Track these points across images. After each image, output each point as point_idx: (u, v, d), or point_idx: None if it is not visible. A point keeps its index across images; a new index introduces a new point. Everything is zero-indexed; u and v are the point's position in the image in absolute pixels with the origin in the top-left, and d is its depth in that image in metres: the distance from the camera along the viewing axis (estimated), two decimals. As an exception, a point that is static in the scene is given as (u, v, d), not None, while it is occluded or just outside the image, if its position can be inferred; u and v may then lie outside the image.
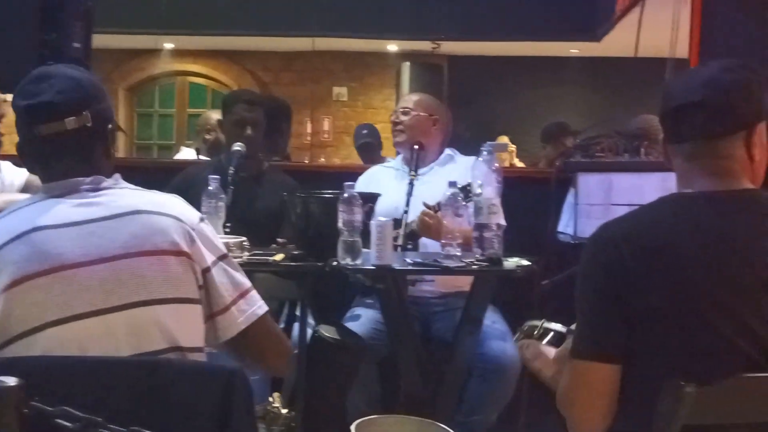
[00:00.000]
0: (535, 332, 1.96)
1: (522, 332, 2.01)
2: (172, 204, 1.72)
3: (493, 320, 3.17)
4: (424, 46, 8.77)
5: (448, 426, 3.10)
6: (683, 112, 1.66)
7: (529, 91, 9.21)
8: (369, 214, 2.81)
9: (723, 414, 1.49)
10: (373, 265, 2.66)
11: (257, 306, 1.72)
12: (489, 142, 3.13)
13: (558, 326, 1.94)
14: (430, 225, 3.05)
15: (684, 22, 3.74)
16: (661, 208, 1.68)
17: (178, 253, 1.64)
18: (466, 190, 2.89)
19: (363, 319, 3.23)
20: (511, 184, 3.71)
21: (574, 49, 8.85)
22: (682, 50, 3.69)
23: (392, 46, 9.09)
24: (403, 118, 3.49)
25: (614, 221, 1.69)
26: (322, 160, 9.10)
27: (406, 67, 8.91)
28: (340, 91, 9.80)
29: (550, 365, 1.93)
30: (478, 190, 2.82)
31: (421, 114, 3.49)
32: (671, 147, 1.72)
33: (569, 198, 3.57)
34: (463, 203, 2.89)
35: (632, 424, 1.57)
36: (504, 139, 7.43)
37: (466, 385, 3.16)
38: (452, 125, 4.05)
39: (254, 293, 1.74)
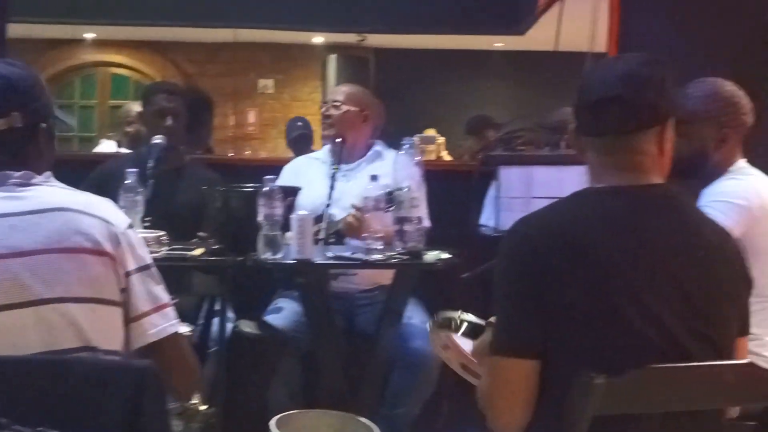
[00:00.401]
0: (452, 323, 1.95)
1: (435, 323, 1.99)
2: (102, 206, 1.70)
3: (415, 314, 3.18)
4: (350, 38, 8.76)
5: (371, 419, 3.11)
6: (601, 106, 1.67)
7: (455, 84, 9.25)
8: (290, 207, 2.80)
9: (632, 404, 1.52)
10: (293, 259, 2.64)
11: (170, 323, 1.72)
12: (411, 137, 3.15)
13: (474, 318, 1.92)
14: (356, 228, 3.04)
15: (603, 17, 3.81)
16: (575, 202, 1.68)
17: (101, 253, 1.62)
18: (389, 197, 2.89)
19: (286, 311, 3.21)
20: (435, 177, 3.74)
21: (498, 42, 8.93)
22: (602, 44, 3.75)
23: (318, 39, 9.05)
24: (334, 111, 3.45)
25: (529, 216, 1.68)
26: (248, 152, 9.02)
27: (332, 59, 8.89)
28: (266, 83, 9.72)
29: (462, 356, 1.93)
30: (405, 190, 2.82)
31: (352, 109, 3.44)
32: (585, 139, 1.72)
33: (491, 191, 3.61)
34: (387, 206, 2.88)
35: (550, 418, 1.57)
36: (431, 132, 7.45)
37: (389, 379, 3.18)
38: (384, 118, 4.06)
39: (170, 310, 1.73)
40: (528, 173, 3.46)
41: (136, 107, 4.56)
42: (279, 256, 2.67)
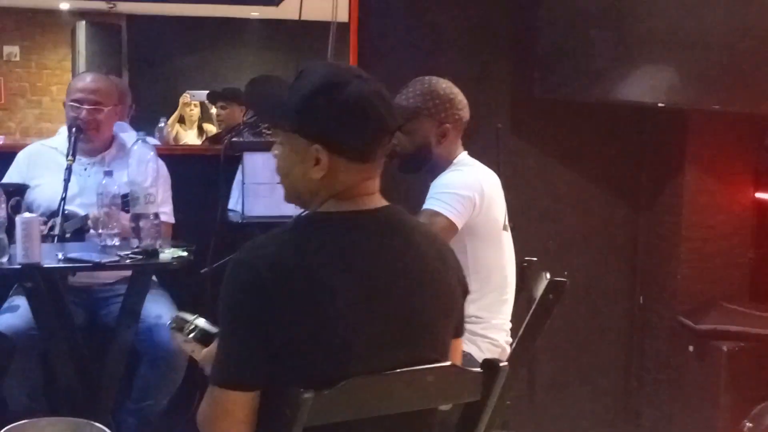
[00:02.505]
0: (185, 327, 1.94)
1: (174, 322, 1.98)
2: None
3: (161, 306, 3.15)
4: (100, 5, 8.38)
5: (114, 415, 3.07)
6: (379, 136, 1.65)
7: (212, 52, 9.11)
8: (16, 207, 2.67)
9: (342, 413, 1.56)
10: (19, 264, 2.53)
11: None
12: (162, 119, 3.07)
13: (207, 325, 1.92)
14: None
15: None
16: (304, 231, 1.64)
17: None
18: (125, 200, 2.81)
19: (22, 309, 3.07)
20: (182, 163, 3.70)
21: (254, 11, 8.86)
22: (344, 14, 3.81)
23: (65, 4, 8.61)
24: (97, 116, 3.23)
25: (255, 245, 1.62)
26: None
27: (81, 26, 8.49)
28: (12, 50, 9.16)
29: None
30: (141, 186, 2.76)
31: (110, 108, 3.29)
32: (339, 160, 1.64)
33: (238, 176, 3.60)
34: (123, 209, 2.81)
35: None
36: (186, 98, 7.27)
37: (136, 373, 3.14)
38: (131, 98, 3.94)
39: None
40: (273, 159, 3.47)
41: None
42: (4, 260, 2.55)
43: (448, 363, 1.69)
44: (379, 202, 1.71)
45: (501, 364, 1.73)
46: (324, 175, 1.64)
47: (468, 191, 2.69)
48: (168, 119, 6.49)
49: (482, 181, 2.75)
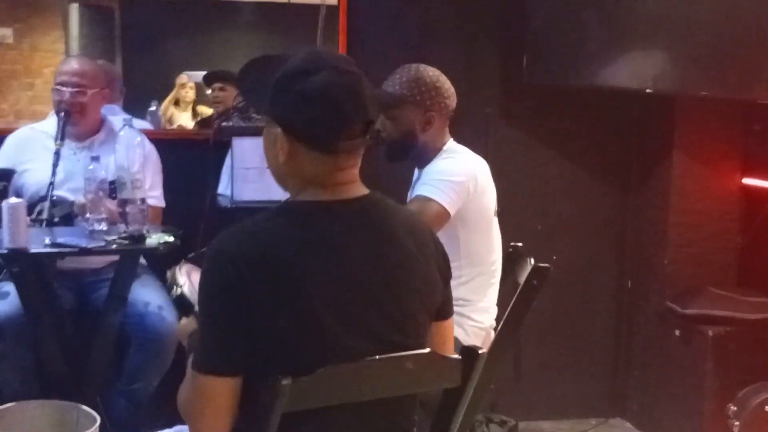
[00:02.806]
0: (172, 289, 1.96)
1: (169, 279, 2.00)
2: None
3: (151, 290, 3.17)
4: (92, -13, 8.35)
5: (107, 395, 3.09)
6: (341, 128, 1.62)
7: (205, 35, 9.06)
8: (3, 193, 2.68)
9: (321, 399, 1.58)
10: (6, 249, 2.54)
11: None
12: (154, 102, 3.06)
13: (190, 293, 1.92)
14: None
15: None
16: (280, 221, 1.64)
17: None
18: (113, 186, 2.82)
19: (12, 295, 3.09)
20: (172, 147, 3.71)
21: (248, -6, 8.82)
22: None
23: (58, -14, 8.57)
24: (81, 99, 3.25)
25: (233, 234, 1.62)
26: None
27: (74, 8, 8.45)
28: (5, 33, 9.13)
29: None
30: (128, 171, 2.77)
31: (95, 91, 3.31)
32: (301, 148, 1.63)
33: (228, 160, 3.61)
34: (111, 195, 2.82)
35: (250, 422, 1.60)
36: (183, 79, 7.25)
37: (127, 355, 3.16)
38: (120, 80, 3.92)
39: None
40: (261, 144, 3.48)
41: None
42: (-9, 245, 2.57)
43: (427, 350, 1.70)
44: (358, 191, 1.71)
45: (480, 351, 1.75)
46: (287, 160, 1.65)
47: (462, 178, 2.71)
48: (160, 103, 6.47)
49: (476, 169, 2.78)
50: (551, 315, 4.05)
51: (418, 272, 1.71)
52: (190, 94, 7.06)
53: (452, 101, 2.82)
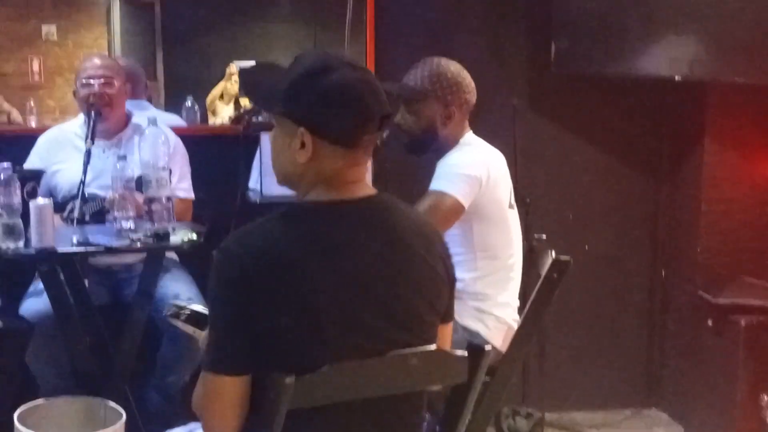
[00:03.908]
0: (180, 314, 2.01)
1: (170, 310, 2.05)
2: None
3: (181, 285, 3.23)
4: (133, -17, 8.44)
5: (142, 389, 3.15)
6: (362, 121, 1.67)
7: (244, 28, 9.13)
8: (32, 193, 2.74)
9: (326, 397, 1.60)
10: (34, 249, 2.60)
11: None
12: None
13: (201, 308, 1.99)
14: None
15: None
16: (289, 221, 1.66)
17: None
18: (138, 183, 2.87)
19: (45, 294, 3.15)
20: (203, 142, 3.75)
21: (283, -15, 8.85)
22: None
23: (99, -17, 8.68)
24: (109, 90, 3.30)
25: (239, 235, 1.65)
26: (31, 104, 8.60)
27: (115, 4, 8.56)
28: (50, 30, 9.26)
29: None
30: (153, 169, 2.81)
31: (121, 84, 3.36)
32: (325, 145, 1.67)
33: (257, 155, 3.64)
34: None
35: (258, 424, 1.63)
36: (233, 68, 7.29)
37: (159, 350, 3.22)
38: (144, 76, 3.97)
39: None
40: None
41: None
42: (20, 244, 2.63)
43: (432, 347, 1.72)
44: (366, 190, 1.74)
45: (485, 348, 1.76)
46: (309, 158, 1.68)
47: (474, 170, 2.71)
48: (196, 98, 6.51)
49: (488, 161, 2.78)
50: (584, 305, 4.04)
51: (425, 273, 1.73)
52: (234, 86, 7.11)
53: (473, 96, 2.82)
